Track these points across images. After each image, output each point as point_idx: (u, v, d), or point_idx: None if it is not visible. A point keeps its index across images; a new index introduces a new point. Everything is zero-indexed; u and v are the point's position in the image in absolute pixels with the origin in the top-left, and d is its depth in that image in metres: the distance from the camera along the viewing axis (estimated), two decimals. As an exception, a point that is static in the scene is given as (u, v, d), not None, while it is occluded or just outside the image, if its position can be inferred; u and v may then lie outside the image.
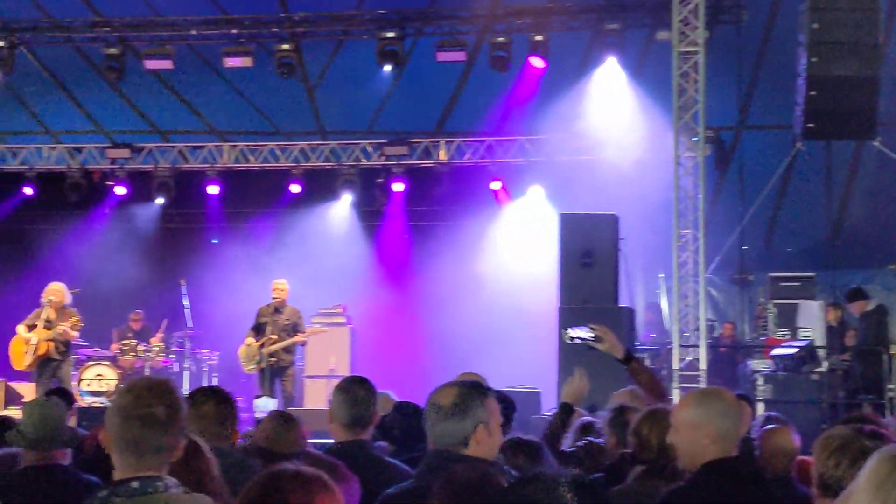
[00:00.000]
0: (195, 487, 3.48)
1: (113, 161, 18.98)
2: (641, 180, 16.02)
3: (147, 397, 3.32)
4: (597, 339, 5.90)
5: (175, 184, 18.82)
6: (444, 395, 4.06)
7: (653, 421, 4.92)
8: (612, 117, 17.34)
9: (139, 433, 3.28)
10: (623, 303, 13.87)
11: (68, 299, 14.85)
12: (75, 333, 14.75)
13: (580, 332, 6.02)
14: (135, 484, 3.24)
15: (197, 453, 3.83)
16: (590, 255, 13.28)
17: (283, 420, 5.25)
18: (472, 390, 4.07)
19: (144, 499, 3.22)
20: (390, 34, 16.39)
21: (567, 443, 6.40)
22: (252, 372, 15.13)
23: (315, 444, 6.22)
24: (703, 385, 13.35)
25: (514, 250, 18.04)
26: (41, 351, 14.52)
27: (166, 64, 16.90)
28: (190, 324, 16.40)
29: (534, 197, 18.39)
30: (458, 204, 18.65)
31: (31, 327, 14.57)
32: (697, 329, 14.98)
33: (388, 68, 16.90)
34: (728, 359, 16.67)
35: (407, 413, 6.73)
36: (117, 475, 3.30)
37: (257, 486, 2.94)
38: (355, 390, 5.25)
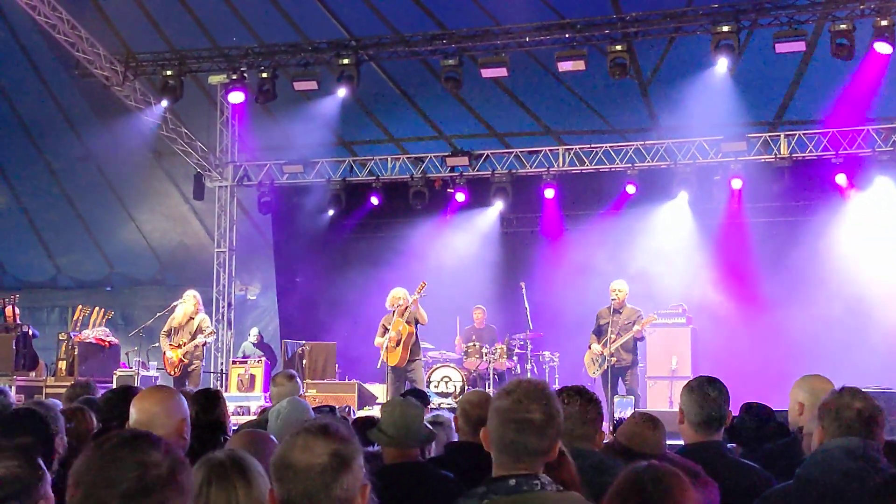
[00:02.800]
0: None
1: (452, 169, 19.58)
2: None
3: (525, 402, 3.41)
4: None
5: (512, 188, 19.20)
6: None
7: None
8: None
9: (515, 437, 3.38)
10: None
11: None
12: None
13: None
14: (512, 482, 3.34)
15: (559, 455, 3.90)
16: (948, 248, 12.52)
17: (647, 421, 5.21)
18: None
19: (521, 497, 3.31)
20: (725, 28, 16.02)
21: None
22: (596, 376, 15.25)
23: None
24: None
25: (862, 244, 17.21)
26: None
27: (501, 72, 17.24)
28: (531, 326, 16.63)
29: (881, 188, 17.45)
30: (800, 198, 18.03)
31: (384, 332, 15.39)
32: None
33: (722, 62, 16.49)
34: None
35: (758, 414, 6.57)
36: (495, 472, 3.42)
37: (634, 481, 2.95)
38: (706, 390, 5.17)
